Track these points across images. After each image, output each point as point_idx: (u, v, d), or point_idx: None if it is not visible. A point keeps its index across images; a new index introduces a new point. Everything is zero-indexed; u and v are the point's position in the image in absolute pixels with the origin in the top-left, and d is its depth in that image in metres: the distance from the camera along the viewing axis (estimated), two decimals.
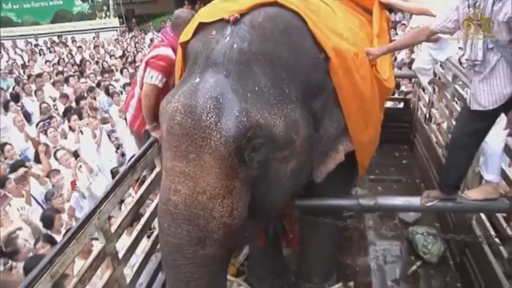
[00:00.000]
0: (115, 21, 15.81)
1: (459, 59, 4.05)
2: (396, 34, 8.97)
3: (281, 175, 2.05)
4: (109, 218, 2.32)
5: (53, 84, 8.14)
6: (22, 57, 12.23)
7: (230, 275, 3.27)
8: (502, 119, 2.32)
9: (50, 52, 12.58)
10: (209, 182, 1.79)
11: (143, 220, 2.67)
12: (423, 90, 5.26)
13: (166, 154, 1.91)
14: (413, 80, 5.74)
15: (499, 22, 2.02)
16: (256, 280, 3.30)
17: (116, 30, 15.43)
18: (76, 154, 5.02)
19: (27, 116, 6.79)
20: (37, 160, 4.95)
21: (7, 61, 11.31)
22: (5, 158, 4.84)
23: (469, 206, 2.68)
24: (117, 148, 5.90)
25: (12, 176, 4.14)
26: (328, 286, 3.21)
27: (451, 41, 3.89)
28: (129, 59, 10.27)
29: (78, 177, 4.59)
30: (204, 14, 2.17)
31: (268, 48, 1.96)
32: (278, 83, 1.96)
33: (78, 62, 10.77)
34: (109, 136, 5.97)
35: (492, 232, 3.00)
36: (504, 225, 2.93)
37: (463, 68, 3.40)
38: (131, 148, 5.05)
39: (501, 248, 2.89)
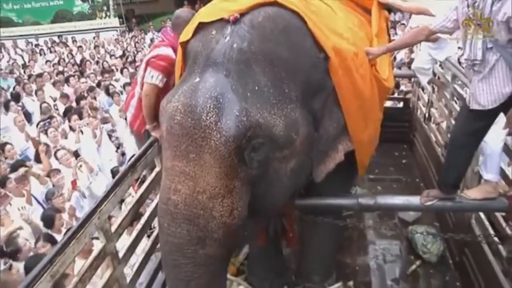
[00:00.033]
0: (115, 21, 15.82)
1: (459, 59, 4.07)
2: (396, 34, 8.99)
3: (281, 174, 2.05)
4: (109, 217, 2.32)
5: (54, 84, 8.15)
6: (22, 57, 12.26)
7: (230, 274, 3.27)
8: (501, 119, 2.32)
9: (51, 52, 12.60)
10: (209, 182, 1.79)
11: (143, 220, 2.67)
12: (423, 89, 5.27)
13: (166, 153, 1.91)
14: (412, 79, 5.75)
15: (498, 22, 2.03)
16: (256, 279, 3.30)
17: (116, 30, 15.44)
18: (76, 154, 5.03)
19: (28, 116, 6.81)
20: (38, 159, 4.96)
21: (7, 61, 11.34)
22: (6, 158, 4.85)
23: (468, 206, 2.69)
24: (117, 148, 5.91)
25: (13, 175, 4.15)
26: (327, 285, 3.21)
27: (450, 41, 3.90)
28: (129, 59, 10.28)
29: (79, 177, 4.59)
30: (204, 14, 2.18)
31: (268, 47, 1.97)
32: (278, 82, 1.96)
33: (78, 62, 10.79)
34: (109, 135, 5.98)
35: (491, 231, 3.00)
36: (503, 224, 2.93)
37: (463, 67, 3.40)
38: (131, 148, 5.06)
39: (500, 247, 2.89)
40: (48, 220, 3.62)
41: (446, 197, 2.63)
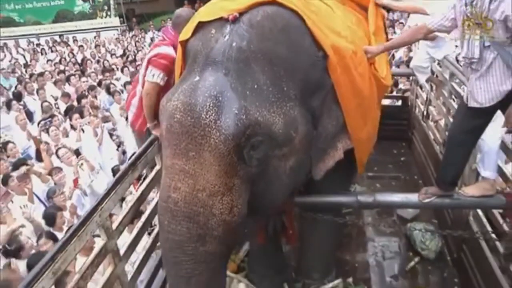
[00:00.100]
0: (115, 21, 15.81)
1: (456, 57, 4.09)
2: (394, 32, 8.98)
3: (280, 172, 2.06)
4: (110, 215, 2.33)
5: (55, 83, 8.16)
6: (24, 57, 12.25)
7: (231, 272, 3.28)
8: (499, 116, 2.34)
9: (52, 51, 12.60)
10: (209, 180, 1.80)
11: (143, 218, 2.68)
12: (421, 88, 5.28)
13: (166, 152, 1.92)
14: (411, 78, 5.75)
15: (496, 20, 2.04)
16: (256, 276, 3.31)
17: (117, 30, 15.44)
18: (77, 152, 5.05)
19: (29, 115, 6.83)
20: (39, 158, 4.99)
21: (9, 61, 11.34)
22: (8, 157, 4.87)
23: (466, 203, 2.71)
24: (118, 146, 5.93)
25: (15, 174, 4.18)
26: (327, 282, 3.23)
27: (448, 40, 3.91)
28: (130, 58, 10.28)
29: (80, 175, 4.61)
30: (204, 13, 2.19)
31: (267, 46, 1.97)
32: (277, 81, 1.97)
33: (79, 61, 10.80)
34: (110, 134, 5.99)
35: (489, 228, 3.02)
36: (501, 221, 2.95)
37: (460, 66, 3.42)
38: (132, 146, 5.07)
39: (498, 243, 2.91)
40: (50, 218, 3.64)
41: (444, 194, 2.65)
